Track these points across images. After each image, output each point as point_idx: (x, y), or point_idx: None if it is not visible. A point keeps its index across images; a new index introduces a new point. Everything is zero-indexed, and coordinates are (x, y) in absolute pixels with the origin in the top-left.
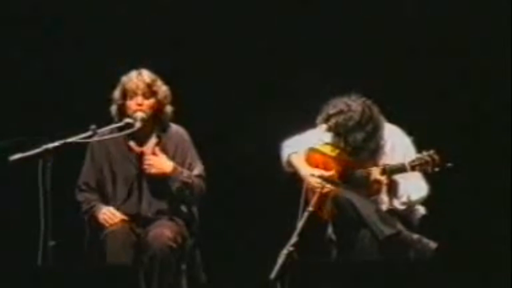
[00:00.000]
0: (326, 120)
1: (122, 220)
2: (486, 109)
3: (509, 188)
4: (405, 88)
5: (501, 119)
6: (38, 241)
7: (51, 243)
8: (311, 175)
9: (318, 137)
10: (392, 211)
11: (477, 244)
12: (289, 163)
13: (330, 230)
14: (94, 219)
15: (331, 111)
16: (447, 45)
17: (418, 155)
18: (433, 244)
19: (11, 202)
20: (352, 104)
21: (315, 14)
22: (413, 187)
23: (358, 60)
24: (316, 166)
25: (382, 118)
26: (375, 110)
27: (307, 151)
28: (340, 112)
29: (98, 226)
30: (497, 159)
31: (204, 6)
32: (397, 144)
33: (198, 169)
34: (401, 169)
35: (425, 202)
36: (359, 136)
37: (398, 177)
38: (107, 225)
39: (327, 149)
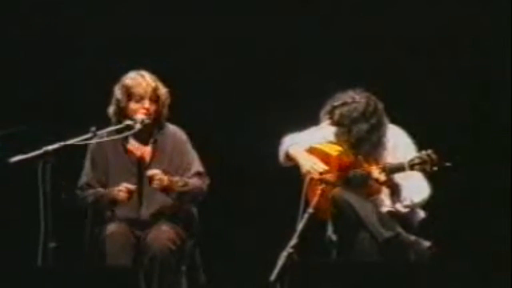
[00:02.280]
0: (330, 112)
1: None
2: (486, 109)
3: (509, 188)
4: (405, 88)
5: (501, 119)
6: (38, 241)
7: (51, 244)
8: (310, 168)
9: (319, 135)
10: (392, 213)
11: (477, 244)
12: (288, 155)
13: (330, 230)
14: (112, 202)
15: (336, 103)
16: (447, 45)
17: (417, 154)
18: (426, 243)
19: (11, 202)
20: (356, 97)
21: (315, 14)
22: (415, 189)
23: (358, 60)
24: None
25: (385, 115)
26: (379, 105)
27: (308, 149)
28: (345, 104)
29: (114, 207)
30: (497, 159)
31: (204, 6)
32: (399, 144)
33: (196, 166)
34: (400, 168)
35: (425, 202)
36: (363, 127)
37: (399, 180)
38: (121, 198)
39: (328, 148)
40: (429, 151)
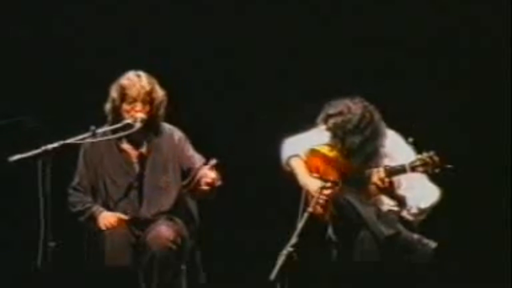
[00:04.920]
0: (325, 120)
1: (123, 222)
2: (486, 109)
3: (509, 187)
4: (405, 88)
5: (501, 119)
6: (38, 241)
7: (51, 244)
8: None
9: (320, 136)
10: (393, 212)
11: (477, 244)
12: (288, 166)
13: (330, 230)
14: (92, 220)
15: (331, 112)
16: (447, 45)
17: (418, 156)
18: (432, 244)
19: (11, 202)
20: (353, 107)
21: (315, 14)
22: (421, 196)
23: (358, 60)
24: (316, 169)
25: (383, 125)
26: (376, 115)
27: (308, 152)
28: (340, 113)
29: (95, 227)
30: (497, 159)
31: (204, 6)
32: (397, 153)
33: (200, 159)
34: (401, 170)
35: (434, 206)
36: (357, 139)
37: (404, 190)
38: (105, 228)
39: (327, 150)
40: (431, 153)
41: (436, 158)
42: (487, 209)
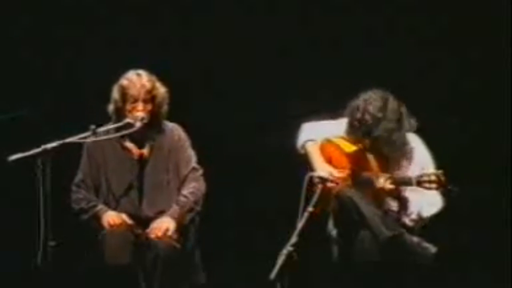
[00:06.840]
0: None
1: (127, 223)
2: (486, 109)
3: (509, 187)
4: (405, 87)
5: (501, 119)
6: (38, 241)
7: (51, 243)
8: (317, 177)
9: (339, 127)
10: (392, 212)
11: (477, 243)
12: (304, 149)
13: (330, 226)
14: (96, 219)
15: (356, 102)
16: (447, 44)
17: (426, 172)
18: (432, 248)
19: (11, 202)
20: (377, 94)
21: (315, 14)
22: (425, 203)
23: (358, 60)
24: (329, 159)
25: (407, 120)
26: (403, 108)
27: (324, 141)
28: (364, 100)
29: (98, 226)
30: (497, 159)
31: (204, 6)
32: (416, 153)
33: (192, 163)
34: (407, 182)
35: (434, 216)
36: (386, 126)
37: (411, 193)
38: (109, 226)
39: (343, 144)
40: (439, 172)
41: (443, 178)
42: (487, 209)
